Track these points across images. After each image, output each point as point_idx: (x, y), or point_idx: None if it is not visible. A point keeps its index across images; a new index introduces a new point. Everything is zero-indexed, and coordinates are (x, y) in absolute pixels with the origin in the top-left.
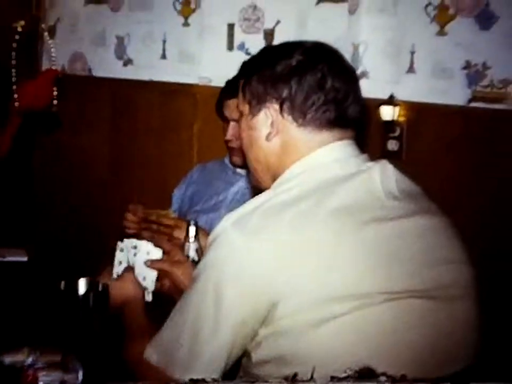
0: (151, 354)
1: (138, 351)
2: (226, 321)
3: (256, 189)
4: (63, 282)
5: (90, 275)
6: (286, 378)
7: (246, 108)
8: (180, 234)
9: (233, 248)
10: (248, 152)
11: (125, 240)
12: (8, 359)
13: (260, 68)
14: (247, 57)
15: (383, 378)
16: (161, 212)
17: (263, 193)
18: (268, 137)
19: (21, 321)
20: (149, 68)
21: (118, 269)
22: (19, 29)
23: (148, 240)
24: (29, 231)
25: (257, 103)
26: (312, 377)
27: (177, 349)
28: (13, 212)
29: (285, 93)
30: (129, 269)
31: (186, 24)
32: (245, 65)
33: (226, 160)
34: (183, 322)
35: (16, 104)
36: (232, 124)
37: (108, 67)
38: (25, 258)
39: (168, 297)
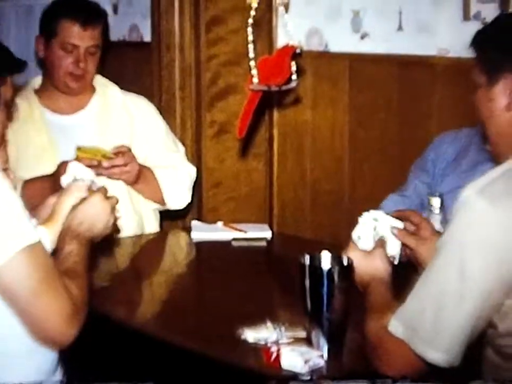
0: (396, 327)
1: (381, 325)
2: (471, 292)
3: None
4: (307, 256)
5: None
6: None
7: (483, 79)
8: (425, 233)
9: (478, 216)
10: (487, 124)
11: (365, 213)
12: (252, 336)
13: (496, 36)
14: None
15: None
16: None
17: (505, 162)
18: (508, 107)
19: (262, 296)
20: (385, 40)
21: (360, 244)
22: (254, 5)
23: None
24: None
25: (495, 73)
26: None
27: (421, 323)
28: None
29: None
30: (382, 243)
31: None
32: (479, 34)
33: (474, 132)
34: (427, 295)
35: (256, 80)
36: None
37: (344, 41)
38: (268, 234)
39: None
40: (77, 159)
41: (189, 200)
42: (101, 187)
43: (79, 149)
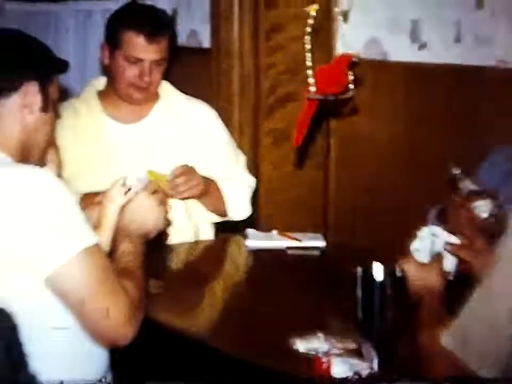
0: (449, 341)
1: (433, 338)
2: None
3: None
4: (359, 268)
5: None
6: None
7: None
8: (478, 246)
9: None
10: None
11: (424, 228)
12: (303, 346)
13: None
14: None
15: None
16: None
17: None
18: None
19: (314, 306)
20: (443, 51)
21: (417, 257)
22: (312, 13)
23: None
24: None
25: None
26: None
27: (472, 338)
28: None
29: None
30: (439, 258)
31: (480, 6)
32: None
33: None
34: (480, 310)
35: (313, 89)
36: None
37: (402, 51)
38: (323, 243)
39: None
40: None
41: (250, 211)
42: (146, 185)
43: (149, 171)
